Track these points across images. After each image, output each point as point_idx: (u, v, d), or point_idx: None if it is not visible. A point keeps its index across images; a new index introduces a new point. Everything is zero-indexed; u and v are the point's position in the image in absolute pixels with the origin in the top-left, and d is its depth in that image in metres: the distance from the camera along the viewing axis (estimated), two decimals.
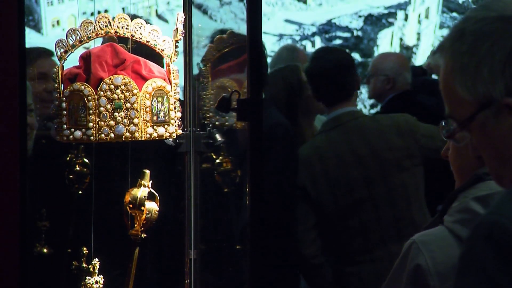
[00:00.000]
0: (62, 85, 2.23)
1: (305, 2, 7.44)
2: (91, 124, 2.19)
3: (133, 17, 2.28)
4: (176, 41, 2.27)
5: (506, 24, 1.47)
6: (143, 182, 2.39)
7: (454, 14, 7.26)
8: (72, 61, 2.31)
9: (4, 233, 2.42)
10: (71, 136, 2.21)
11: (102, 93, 2.19)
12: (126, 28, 2.24)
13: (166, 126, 2.25)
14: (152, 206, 2.38)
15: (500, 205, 1.45)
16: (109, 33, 2.25)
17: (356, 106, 3.97)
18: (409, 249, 2.16)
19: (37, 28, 6.57)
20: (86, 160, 2.75)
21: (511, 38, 1.46)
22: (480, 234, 1.38)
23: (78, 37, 2.23)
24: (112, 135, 2.20)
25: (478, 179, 2.13)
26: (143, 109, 2.21)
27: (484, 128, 1.49)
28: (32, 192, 2.56)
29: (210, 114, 2.81)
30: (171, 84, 2.27)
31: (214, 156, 2.93)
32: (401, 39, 7.30)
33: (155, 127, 2.23)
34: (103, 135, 2.19)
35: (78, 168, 2.83)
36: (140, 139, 2.23)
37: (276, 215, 3.60)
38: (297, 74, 4.20)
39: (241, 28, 2.92)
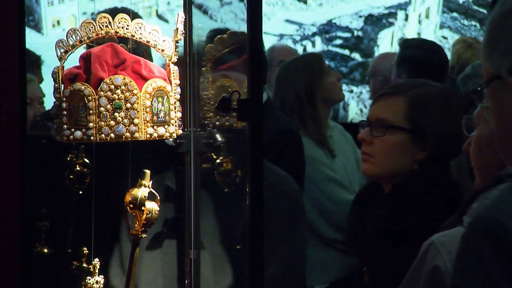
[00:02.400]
0: (62, 85, 2.23)
1: (305, 2, 7.43)
2: (91, 124, 2.19)
3: (133, 16, 2.29)
4: (177, 41, 2.27)
5: None
6: (143, 182, 2.39)
7: (455, 14, 7.25)
8: (73, 61, 2.31)
9: (5, 233, 2.42)
10: (71, 136, 2.21)
11: (102, 93, 2.19)
12: (127, 28, 2.24)
13: (166, 126, 2.25)
14: (152, 206, 2.38)
15: (497, 201, 1.45)
16: (109, 33, 2.25)
17: None
18: (428, 250, 2.11)
19: (38, 28, 6.56)
20: (86, 160, 2.75)
21: None
22: (477, 230, 1.37)
23: (78, 37, 2.23)
24: (113, 135, 2.20)
25: (499, 180, 2.08)
26: (143, 109, 2.21)
27: (495, 98, 1.49)
28: (32, 192, 2.57)
29: (211, 114, 2.81)
30: (171, 84, 2.27)
31: (215, 156, 2.93)
32: None
33: (155, 127, 2.23)
34: (103, 135, 2.19)
35: (78, 168, 2.83)
36: (140, 139, 2.23)
37: (281, 221, 3.59)
38: (319, 61, 4.26)
39: (242, 28, 2.92)
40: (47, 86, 4.00)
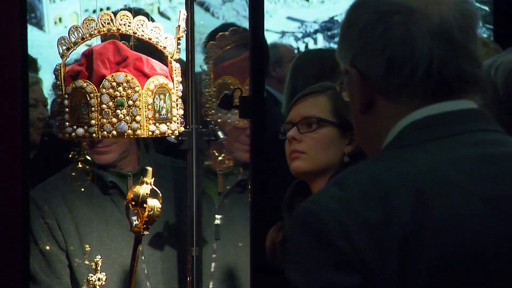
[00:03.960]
0: (64, 82, 2.23)
1: (307, 0, 7.43)
2: (93, 122, 2.19)
3: (137, 11, 2.29)
4: (178, 39, 2.26)
5: None
6: (145, 179, 2.39)
7: None
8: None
9: (6, 231, 2.42)
10: (74, 134, 2.21)
11: (104, 90, 2.19)
12: (128, 25, 2.24)
13: (168, 124, 2.25)
14: (154, 203, 2.39)
15: (318, 193, 1.49)
16: (111, 31, 2.25)
17: None
18: None
19: (39, 25, 6.56)
20: (88, 158, 2.75)
21: (368, 13, 1.47)
22: (297, 222, 1.41)
23: (80, 35, 2.23)
24: (115, 132, 2.20)
25: None
26: (145, 106, 2.21)
27: (348, 92, 1.56)
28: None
29: (213, 111, 2.81)
30: (173, 82, 2.27)
31: (216, 154, 2.93)
32: None
33: (157, 124, 2.23)
34: (105, 133, 2.19)
35: (80, 166, 2.83)
36: (142, 136, 2.23)
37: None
38: (333, 61, 4.24)
39: (244, 25, 2.92)
40: (45, 85, 4.02)
